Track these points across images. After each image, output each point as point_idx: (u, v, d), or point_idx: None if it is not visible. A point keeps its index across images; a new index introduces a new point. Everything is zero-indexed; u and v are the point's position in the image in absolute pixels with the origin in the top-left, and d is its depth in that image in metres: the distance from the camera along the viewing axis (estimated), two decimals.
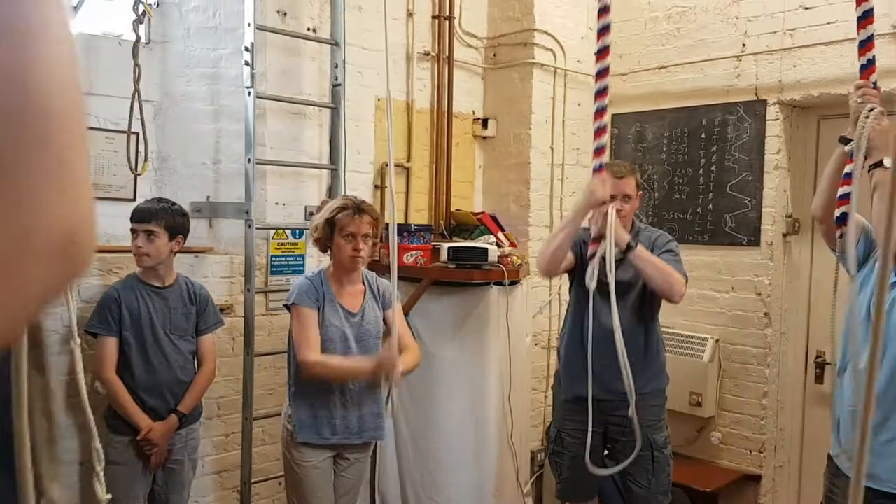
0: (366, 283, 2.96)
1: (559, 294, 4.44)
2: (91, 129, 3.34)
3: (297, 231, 3.59)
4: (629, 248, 2.98)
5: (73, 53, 0.42)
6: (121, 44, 3.44)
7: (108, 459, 2.84)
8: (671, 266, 3.05)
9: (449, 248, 3.63)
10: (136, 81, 3.20)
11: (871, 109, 2.10)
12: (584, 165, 4.48)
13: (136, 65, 3.20)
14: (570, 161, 4.55)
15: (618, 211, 3.06)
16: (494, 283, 3.63)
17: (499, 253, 3.69)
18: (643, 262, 3.01)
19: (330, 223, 2.81)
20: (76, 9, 3.41)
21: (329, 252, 2.89)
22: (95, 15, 3.52)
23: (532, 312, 4.30)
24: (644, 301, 3.16)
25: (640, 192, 3.27)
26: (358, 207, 2.82)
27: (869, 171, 2.12)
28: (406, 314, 3.58)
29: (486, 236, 3.98)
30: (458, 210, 4.27)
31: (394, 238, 2.53)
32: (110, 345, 2.82)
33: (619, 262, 3.12)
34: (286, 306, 2.87)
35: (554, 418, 3.47)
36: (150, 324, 2.86)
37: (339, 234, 2.80)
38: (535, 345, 4.40)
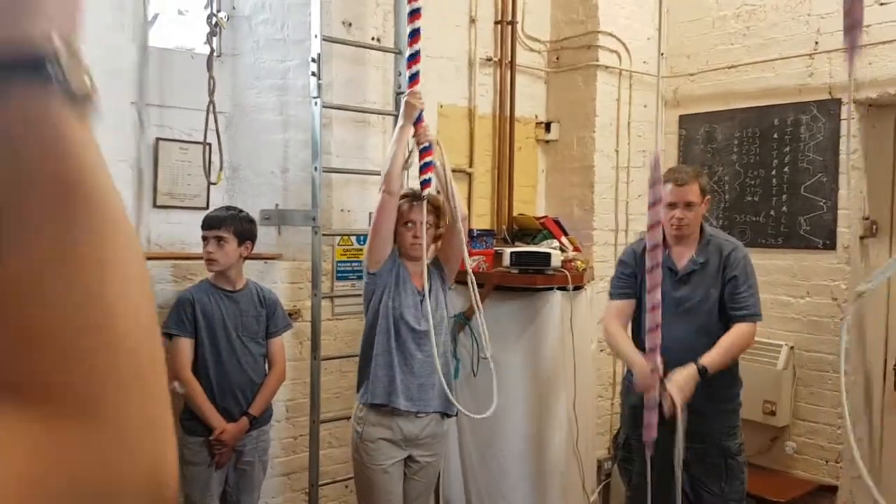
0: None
1: None
2: (166, 139, 3.48)
3: (362, 237, 3.65)
4: (703, 373, 2.86)
5: (140, 256, 0.42)
6: (193, 57, 3.56)
7: (184, 459, 2.93)
8: (744, 314, 2.97)
9: (511, 253, 3.63)
10: (211, 93, 3.29)
11: None
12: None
13: (211, 77, 3.30)
14: (636, 164, 4.48)
15: (679, 220, 3.00)
16: (558, 288, 3.60)
17: (562, 257, 3.67)
18: (724, 361, 2.92)
19: None
20: (151, 23, 3.56)
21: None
22: (169, 30, 3.67)
23: (597, 317, 4.24)
24: (713, 316, 3.06)
25: (708, 197, 3.18)
26: (416, 195, 2.87)
27: None
28: (468, 319, 3.60)
29: (549, 241, 3.95)
30: (520, 214, 4.26)
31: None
32: (186, 345, 2.92)
33: (688, 276, 3.05)
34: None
35: (622, 424, 3.42)
36: (223, 326, 2.95)
37: (399, 223, 2.86)
38: (601, 351, 4.34)
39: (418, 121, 2.93)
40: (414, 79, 3.03)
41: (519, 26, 4.32)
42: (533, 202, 4.46)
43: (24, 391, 0.36)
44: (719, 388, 3.01)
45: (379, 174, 3.72)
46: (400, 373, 2.84)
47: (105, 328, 0.37)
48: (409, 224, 2.86)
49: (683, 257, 3.09)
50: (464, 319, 3.65)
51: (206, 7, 3.48)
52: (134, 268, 0.40)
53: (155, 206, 3.47)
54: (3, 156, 0.38)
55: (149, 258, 3.24)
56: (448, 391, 2.86)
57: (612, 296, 3.23)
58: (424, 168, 2.96)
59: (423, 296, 2.87)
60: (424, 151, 2.95)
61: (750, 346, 3.05)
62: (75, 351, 0.36)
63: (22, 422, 0.35)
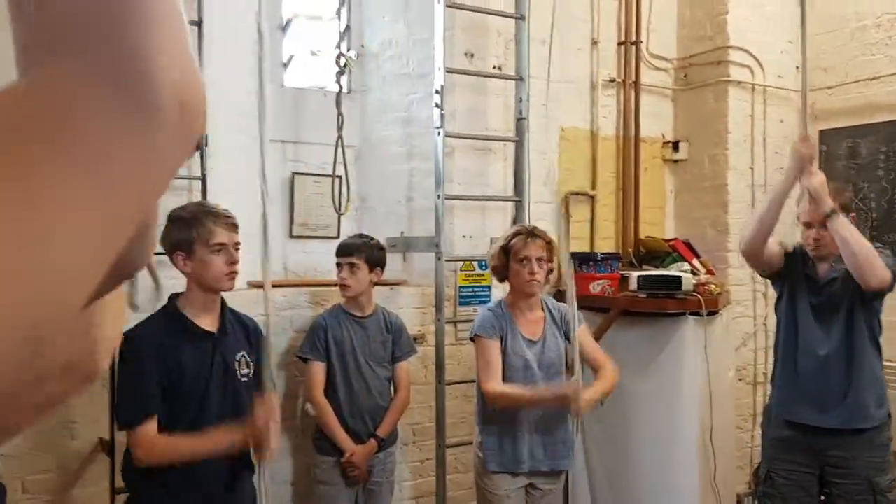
0: (546, 309, 2.95)
1: (765, 325, 4.15)
2: (301, 174, 3.69)
3: (483, 262, 3.68)
4: (832, 213, 2.73)
5: None
6: (325, 95, 3.77)
7: (316, 479, 3.06)
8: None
9: (639, 277, 3.53)
10: (340, 128, 3.48)
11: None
12: None
13: (340, 113, 3.48)
14: (774, 181, 4.25)
15: (816, 240, 2.85)
16: (690, 314, 3.46)
17: (694, 281, 3.53)
18: (844, 234, 2.71)
19: (505, 250, 2.86)
20: (286, 66, 3.80)
21: (507, 280, 2.93)
22: (303, 70, 3.90)
23: (735, 345, 4.05)
24: (856, 322, 2.85)
25: (853, 214, 2.99)
26: (530, 232, 2.86)
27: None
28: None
29: (679, 263, 3.82)
30: (647, 237, 4.15)
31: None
32: (319, 369, 3.05)
33: (827, 282, 2.89)
34: (471, 338, 2.94)
35: (763, 458, 3.23)
36: (352, 351, 3.06)
37: (514, 260, 2.84)
38: (740, 380, 4.13)
39: None
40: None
41: (643, 45, 4.25)
42: (661, 224, 4.34)
43: (36, 40, 0.38)
44: (868, 415, 2.80)
45: (501, 199, 3.77)
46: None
47: None
48: (525, 261, 2.84)
49: (824, 268, 2.95)
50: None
51: (336, 47, 3.69)
52: None
53: (291, 236, 3.68)
54: None
55: (286, 286, 3.44)
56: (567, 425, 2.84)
57: None
58: None
59: (536, 339, 2.87)
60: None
61: (875, 272, 2.69)
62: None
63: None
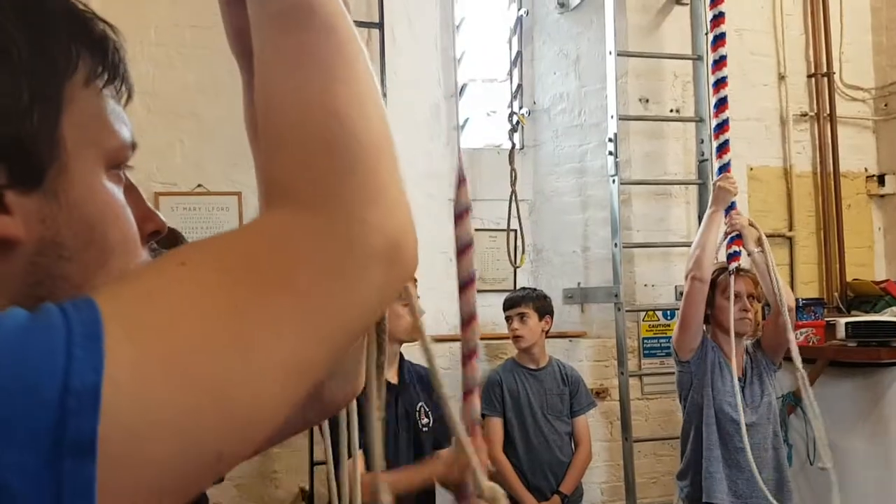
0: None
1: None
2: (476, 230, 3.77)
3: (668, 312, 3.52)
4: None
5: (374, 85, 0.47)
6: (499, 153, 3.87)
7: None
8: None
9: (847, 324, 3.21)
10: (513, 184, 3.54)
11: None
12: None
13: (512, 169, 3.56)
14: None
15: None
16: None
17: None
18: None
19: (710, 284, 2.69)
20: (461, 127, 3.96)
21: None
22: (478, 130, 4.04)
23: None
24: None
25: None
26: (736, 270, 2.69)
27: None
28: (799, 400, 3.23)
29: (893, 308, 3.43)
30: (855, 280, 3.79)
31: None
32: (497, 425, 3.05)
33: None
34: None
35: None
36: (528, 405, 3.03)
37: (720, 296, 2.68)
38: None
39: (731, 207, 2.78)
40: (723, 148, 2.90)
41: (836, 76, 3.96)
42: (870, 265, 3.94)
43: (269, 191, 0.44)
44: None
45: (684, 245, 3.61)
46: (725, 467, 2.64)
47: (331, 123, 0.44)
48: (737, 297, 2.66)
49: None
50: (794, 400, 3.29)
51: (508, 106, 3.79)
52: (363, 83, 0.46)
53: None
54: None
55: (461, 339, 3.49)
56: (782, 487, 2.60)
57: None
58: (732, 257, 2.77)
59: (743, 383, 2.67)
60: (734, 240, 2.78)
61: None
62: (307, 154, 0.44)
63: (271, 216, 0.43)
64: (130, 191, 0.51)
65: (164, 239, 0.55)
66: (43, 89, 0.45)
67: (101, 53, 0.49)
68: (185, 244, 0.44)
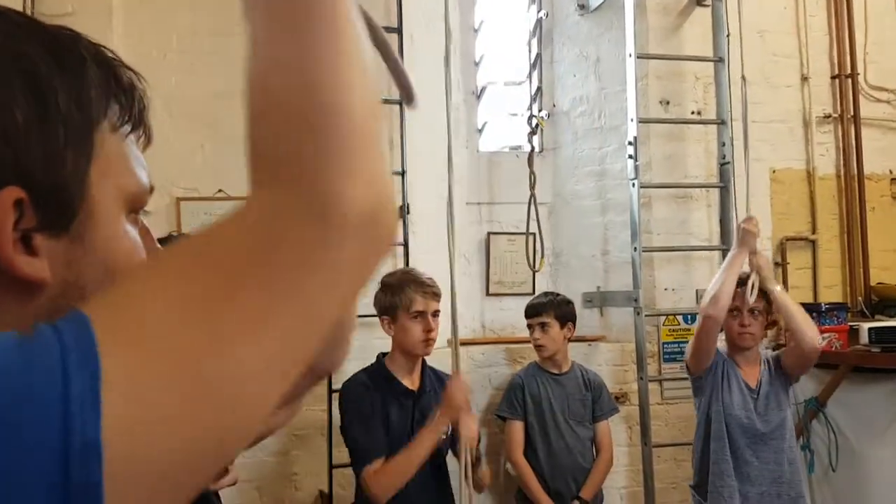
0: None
1: None
2: (496, 233, 3.78)
3: (688, 316, 3.49)
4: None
5: (359, 48, 0.44)
6: (518, 156, 3.86)
7: None
8: None
9: (871, 329, 3.17)
10: (532, 187, 3.53)
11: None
12: None
13: (532, 172, 3.54)
14: None
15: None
16: None
17: None
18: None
19: None
20: (481, 131, 3.95)
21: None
22: (497, 134, 4.03)
23: None
24: None
25: None
26: (742, 282, 2.66)
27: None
28: (822, 405, 3.20)
29: None
30: (879, 284, 3.73)
31: None
32: (517, 428, 3.05)
33: None
34: None
35: None
36: (550, 409, 3.02)
37: (728, 313, 2.65)
38: None
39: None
40: None
41: (861, 77, 3.91)
42: (894, 269, 3.87)
43: (251, 166, 0.43)
44: None
45: (705, 249, 3.58)
46: (736, 481, 2.61)
47: (302, 89, 0.42)
48: (735, 312, 2.65)
49: None
50: (816, 406, 3.25)
51: (527, 109, 3.78)
52: (348, 46, 0.43)
53: (487, 294, 3.75)
54: None
55: (482, 343, 3.50)
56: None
57: None
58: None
59: (756, 394, 2.65)
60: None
61: None
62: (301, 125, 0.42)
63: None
64: (145, 234, 0.53)
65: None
66: (76, 136, 0.46)
67: (128, 102, 0.50)
68: (171, 242, 0.44)
